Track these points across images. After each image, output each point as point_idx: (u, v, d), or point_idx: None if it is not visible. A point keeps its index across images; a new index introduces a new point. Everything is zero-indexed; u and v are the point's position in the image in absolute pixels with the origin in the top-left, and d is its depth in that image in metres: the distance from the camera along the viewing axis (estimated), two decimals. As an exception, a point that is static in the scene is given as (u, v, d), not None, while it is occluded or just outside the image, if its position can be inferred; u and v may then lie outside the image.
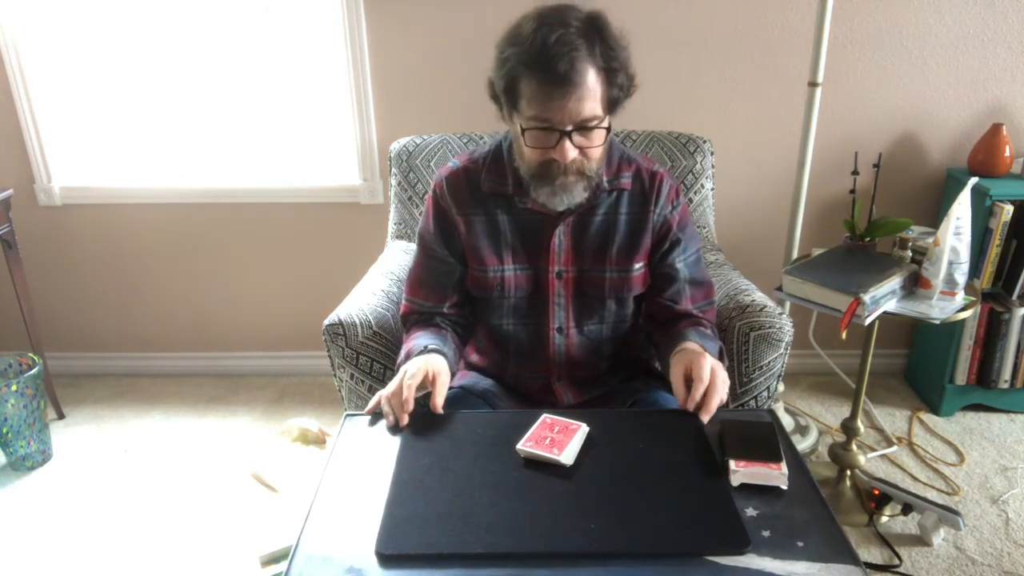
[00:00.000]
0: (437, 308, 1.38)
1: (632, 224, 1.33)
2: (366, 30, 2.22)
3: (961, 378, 2.29)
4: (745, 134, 2.32)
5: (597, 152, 1.22)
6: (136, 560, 1.80)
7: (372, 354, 1.44)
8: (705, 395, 1.14)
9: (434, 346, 1.28)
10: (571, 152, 1.17)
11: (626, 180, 1.33)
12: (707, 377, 1.15)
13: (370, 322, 1.45)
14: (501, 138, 1.36)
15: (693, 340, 1.25)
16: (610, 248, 1.33)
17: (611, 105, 1.20)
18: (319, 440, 2.23)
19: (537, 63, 1.12)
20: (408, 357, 1.27)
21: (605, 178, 1.30)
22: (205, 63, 2.32)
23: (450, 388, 1.46)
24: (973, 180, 1.72)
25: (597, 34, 1.15)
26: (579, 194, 1.25)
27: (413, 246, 1.86)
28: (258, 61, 2.31)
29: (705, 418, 1.13)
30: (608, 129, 1.20)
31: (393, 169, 1.92)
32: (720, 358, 1.29)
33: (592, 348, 1.38)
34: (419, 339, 1.31)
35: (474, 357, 1.49)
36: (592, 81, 1.14)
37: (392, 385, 1.18)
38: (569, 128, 1.15)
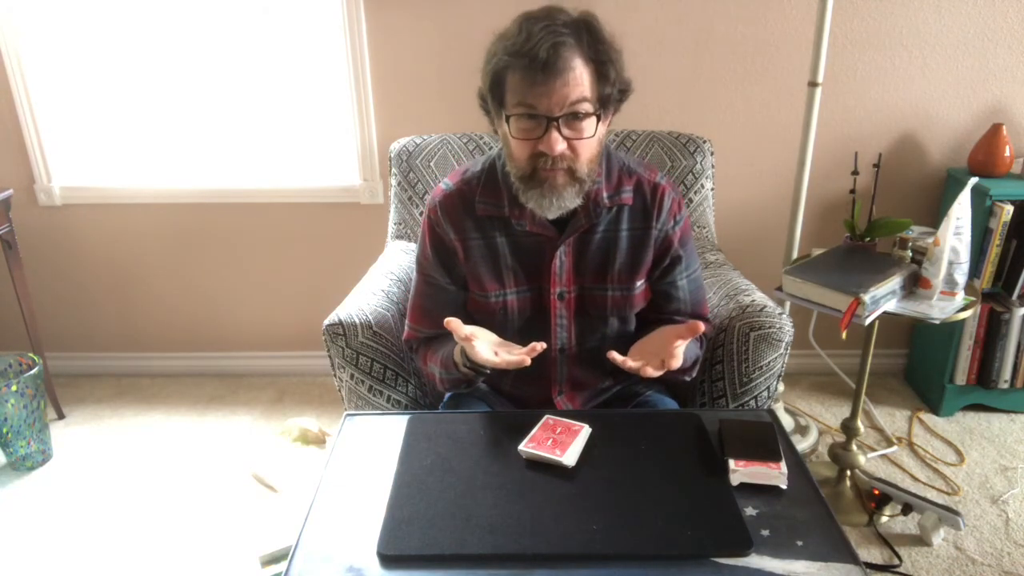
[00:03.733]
0: (442, 333, 1.34)
1: (633, 240, 1.29)
2: (366, 30, 2.22)
3: (961, 378, 2.29)
4: (745, 134, 2.32)
5: (587, 149, 1.16)
6: (136, 560, 1.80)
7: (372, 354, 1.44)
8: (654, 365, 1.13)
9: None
10: (558, 143, 1.11)
11: (627, 195, 1.27)
12: (678, 360, 1.14)
13: (370, 322, 1.45)
14: (495, 156, 1.32)
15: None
16: (612, 266, 1.29)
17: (602, 102, 1.15)
18: (319, 440, 2.23)
19: (521, 51, 1.09)
20: (449, 362, 1.28)
21: (605, 194, 1.26)
22: (205, 63, 2.32)
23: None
24: (973, 180, 1.72)
25: (586, 28, 1.13)
26: (570, 199, 1.18)
27: (413, 246, 1.86)
28: (258, 61, 2.31)
29: (636, 365, 1.13)
30: (599, 119, 1.15)
31: (393, 169, 1.92)
32: (691, 367, 1.31)
33: (594, 364, 1.35)
34: (446, 347, 1.31)
35: None
36: (579, 69, 1.10)
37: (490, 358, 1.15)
38: (556, 115, 1.11)
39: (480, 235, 1.29)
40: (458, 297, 1.34)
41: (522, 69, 1.10)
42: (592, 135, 1.15)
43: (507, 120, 1.15)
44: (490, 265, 1.30)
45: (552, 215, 1.22)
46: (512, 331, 1.31)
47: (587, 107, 1.13)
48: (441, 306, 1.34)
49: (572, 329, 1.32)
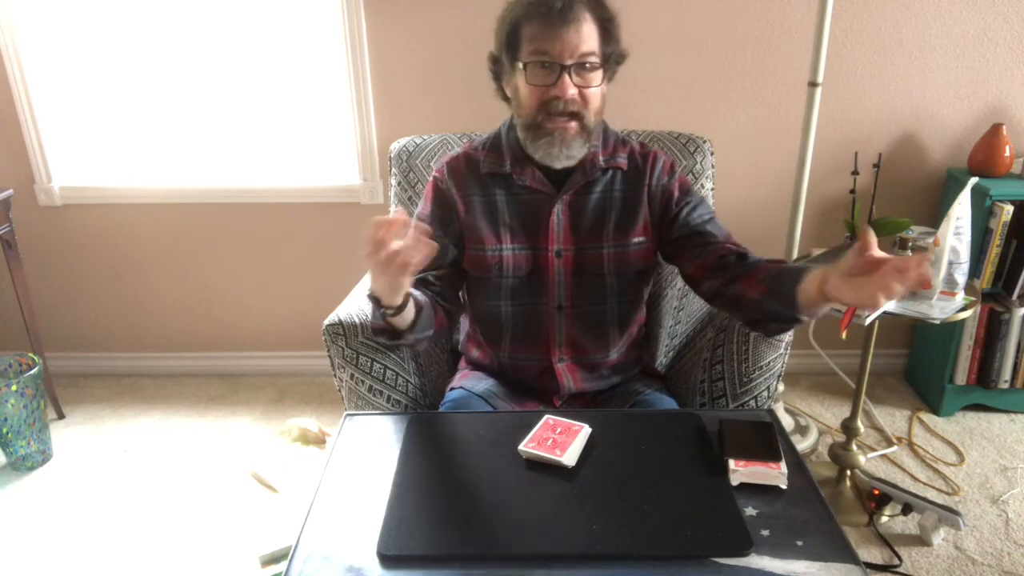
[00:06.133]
0: (422, 275, 1.33)
1: (626, 199, 1.35)
2: (366, 30, 2.22)
3: (961, 378, 2.29)
4: (745, 134, 2.32)
5: (594, 100, 1.24)
6: (136, 560, 1.80)
7: (372, 354, 1.44)
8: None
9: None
10: (570, 87, 1.20)
11: (622, 159, 1.35)
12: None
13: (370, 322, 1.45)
14: (499, 127, 1.39)
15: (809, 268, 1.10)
16: (607, 224, 1.34)
17: (606, 58, 1.24)
18: (319, 440, 2.23)
19: (537, 4, 1.20)
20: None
21: (601, 157, 1.33)
22: (205, 63, 2.32)
23: (451, 388, 1.47)
24: (973, 180, 1.72)
25: None
26: (577, 148, 1.26)
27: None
28: (258, 61, 2.31)
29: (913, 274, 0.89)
30: (604, 71, 1.24)
31: (393, 169, 1.92)
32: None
33: (594, 328, 1.38)
34: None
35: (474, 353, 1.49)
36: (589, 23, 1.21)
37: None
38: (568, 63, 1.19)
39: (482, 192, 1.36)
40: (447, 249, 1.36)
41: (538, 17, 1.20)
42: (599, 85, 1.24)
43: (522, 68, 1.22)
44: (489, 221, 1.35)
45: (559, 164, 1.28)
46: (506, 289, 1.37)
47: (595, 60, 1.22)
48: None
49: (570, 287, 1.36)
